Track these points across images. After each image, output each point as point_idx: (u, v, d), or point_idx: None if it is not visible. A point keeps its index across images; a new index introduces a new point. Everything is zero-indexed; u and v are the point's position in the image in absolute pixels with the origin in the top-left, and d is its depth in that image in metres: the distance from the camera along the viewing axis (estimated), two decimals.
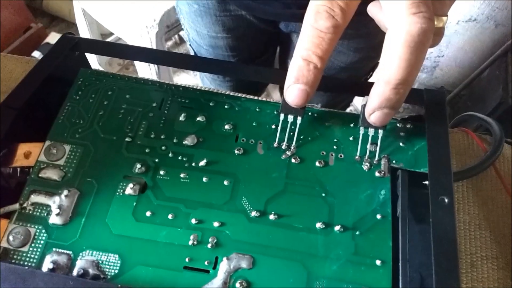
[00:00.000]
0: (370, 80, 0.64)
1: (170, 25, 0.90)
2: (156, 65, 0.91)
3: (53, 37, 1.25)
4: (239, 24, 0.55)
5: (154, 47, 0.87)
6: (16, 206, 0.22)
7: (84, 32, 1.01)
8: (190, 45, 0.65)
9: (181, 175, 0.24)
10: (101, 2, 0.90)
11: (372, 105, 0.22)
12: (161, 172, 0.24)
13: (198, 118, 0.26)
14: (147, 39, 0.87)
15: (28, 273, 0.19)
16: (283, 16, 0.51)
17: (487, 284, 0.30)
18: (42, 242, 0.21)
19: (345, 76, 0.60)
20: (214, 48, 0.60)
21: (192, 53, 0.64)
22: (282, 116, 0.24)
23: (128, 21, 0.88)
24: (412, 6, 0.20)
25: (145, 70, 0.95)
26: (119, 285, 0.19)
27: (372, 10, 0.24)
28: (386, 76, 0.21)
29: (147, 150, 0.24)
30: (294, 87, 0.22)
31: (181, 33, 0.98)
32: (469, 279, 0.30)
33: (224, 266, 0.21)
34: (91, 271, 0.21)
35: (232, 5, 0.52)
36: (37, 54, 1.18)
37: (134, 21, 0.87)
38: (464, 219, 0.32)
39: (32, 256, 0.21)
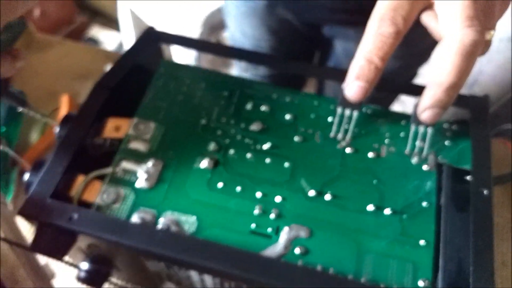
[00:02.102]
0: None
1: (213, 27, 0.94)
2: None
3: (95, 31, 1.31)
4: (283, 27, 0.58)
5: None
6: (110, 170, 0.26)
7: (127, 27, 1.06)
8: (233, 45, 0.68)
9: (248, 155, 0.27)
10: (147, 1, 0.95)
11: (424, 104, 0.25)
12: (231, 152, 0.27)
13: (262, 108, 0.29)
14: None
15: (124, 223, 0.23)
16: (328, 19, 0.54)
17: None
18: (130, 201, 0.25)
19: None
20: (257, 49, 0.63)
21: None
22: (339, 109, 0.27)
23: (173, 21, 0.92)
24: (467, 20, 0.23)
25: None
26: (200, 239, 0.22)
27: (426, 19, 0.27)
28: (438, 79, 0.23)
29: (219, 132, 0.28)
30: (355, 84, 0.25)
31: (224, 34, 1.02)
32: (498, 276, 0.32)
33: (285, 234, 0.24)
34: (172, 227, 0.24)
35: (279, 8, 0.55)
36: None
37: (179, 21, 0.91)
38: (497, 222, 0.34)
39: (122, 212, 0.25)
